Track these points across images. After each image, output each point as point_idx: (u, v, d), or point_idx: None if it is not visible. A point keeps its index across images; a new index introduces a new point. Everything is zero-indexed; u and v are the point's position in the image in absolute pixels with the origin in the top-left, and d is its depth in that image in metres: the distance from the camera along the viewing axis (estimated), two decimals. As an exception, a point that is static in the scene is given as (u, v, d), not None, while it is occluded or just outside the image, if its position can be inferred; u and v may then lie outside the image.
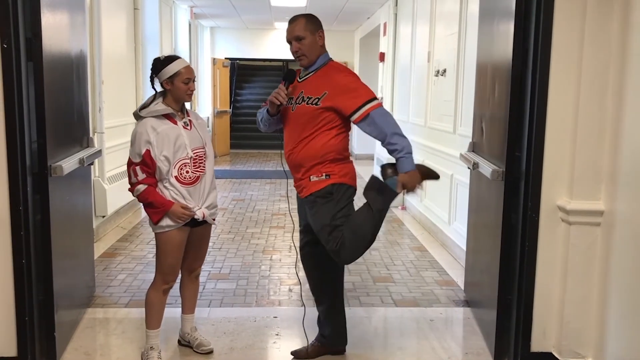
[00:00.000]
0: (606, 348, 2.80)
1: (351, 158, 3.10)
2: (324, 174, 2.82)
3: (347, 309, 3.78)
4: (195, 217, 2.87)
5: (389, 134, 2.76)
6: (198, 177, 2.88)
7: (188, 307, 3.19)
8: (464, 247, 4.31)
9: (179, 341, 3.22)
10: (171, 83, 2.83)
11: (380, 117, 2.77)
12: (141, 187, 2.79)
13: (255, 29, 13.04)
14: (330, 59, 2.92)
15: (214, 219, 3.02)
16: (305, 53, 2.83)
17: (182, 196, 2.83)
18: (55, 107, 2.85)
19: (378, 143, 8.45)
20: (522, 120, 2.90)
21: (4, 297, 2.79)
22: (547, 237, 2.91)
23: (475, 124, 3.83)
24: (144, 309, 3.74)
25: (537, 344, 2.97)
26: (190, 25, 10.67)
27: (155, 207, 2.80)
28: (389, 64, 8.40)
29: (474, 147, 3.82)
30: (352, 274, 4.56)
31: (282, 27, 12.73)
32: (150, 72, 2.89)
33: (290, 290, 4.18)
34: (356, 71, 12.53)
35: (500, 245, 3.01)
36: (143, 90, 7.57)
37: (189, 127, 2.89)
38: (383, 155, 7.65)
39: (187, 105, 2.98)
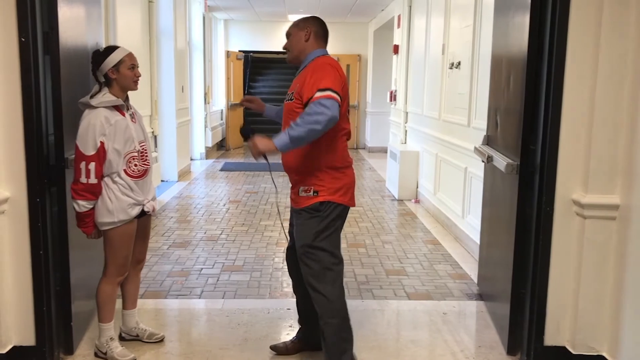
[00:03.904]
0: (621, 343, 2.78)
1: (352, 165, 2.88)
2: (312, 190, 2.70)
3: (360, 302, 3.82)
4: (145, 210, 2.90)
5: (303, 117, 2.49)
6: (146, 170, 2.90)
7: (132, 302, 3.17)
8: (478, 241, 4.30)
9: (122, 338, 3.17)
10: (117, 71, 2.79)
11: (317, 106, 2.47)
12: (87, 205, 2.74)
13: (269, 21, 13.03)
14: (322, 55, 2.77)
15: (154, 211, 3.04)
16: (288, 47, 2.84)
17: (130, 189, 2.82)
18: (71, 100, 2.87)
19: (392, 137, 8.41)
20: (537, 114, 2.88)
21: (22, 287, 2.84)
22: (562, 231, 2.89)
23: (490, 117, 3.81)
24: (158, 300, 3.83)
25: (551, 338, 2.97)
26: (204, 18, 10.70)
27: (84, 221, 2.79)
28: (403, 57, 8.37)
29: (488, 140, 3.81)
30: (365, 266, 4.58)
31: (296, 19, 12.73)
32: (91, 65, 2.84)
33: (303, 282, 4.20)
34: (370, 64, 12.50)
35: (514, 239, 3.00)
36: (158, 83, 7.63)
37: (134, 120, 2.89)
38: (396, 148, 7.64)
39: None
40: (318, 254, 2.70)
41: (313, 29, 2.81)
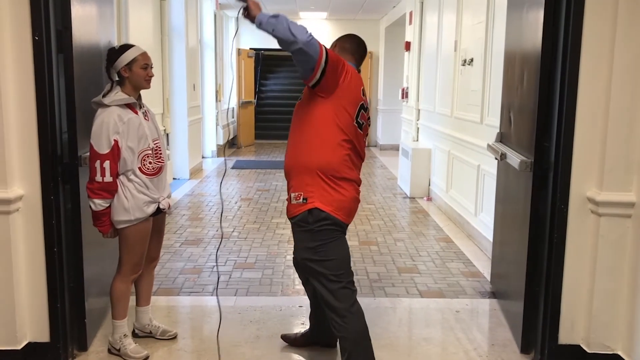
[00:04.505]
0: (636, 341, 2.76)
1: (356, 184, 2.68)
2: (302, 197, 2.56)
3: (372, 299, 3.81)
4: (161, 207, 2.90)
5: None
6: (160, 167, 2.90)
7: (145, 299, 3.18)
8: (491, 239, 4.28)
9: (136, 334, 3.18)
10: (129, 70, 2.80)
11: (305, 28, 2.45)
12: (103, 204, 2.74)
13: (280, 19, 13.01)
14: None
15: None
16: None
17: (146, 187, 2.83)
18: (84, 98, 2.89)
19: (404, 134, 8.37)
20: (551, 110, 2.86)
21: (36, 284, 2.86)
22: (576, 228, 2.86)
23: (503, 114, 3.78)
24: (171, 297, 3.85)
25: (565, 336, 2.94)
26: (215, 16, 10.72)
27: (101, 220, 2.80)
28: (414, 53, 8.33)
29: (501, 138, 3.78)
30: (378, 264, 4.57)
31: (307, 17, 12.75)
32: (105, 62, 2.85)
33: (315, 280, 4.19)
34: (381, 61, 12.47)
35: (528, 236, 2.98)
36: (170, 81, 7.66)
37: (147, 118, 2.90)
38: (408, 146, 7.62)
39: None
40: (317, 268, 2.60)
41: (339, 44, 2.79)
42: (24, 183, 2.79)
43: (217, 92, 10.83)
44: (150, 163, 2.85)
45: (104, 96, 2.79)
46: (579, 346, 2.94)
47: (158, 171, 2.89)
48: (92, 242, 3.02)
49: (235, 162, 10.31)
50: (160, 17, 7.07)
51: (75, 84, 2.80)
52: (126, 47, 2.86)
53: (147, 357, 2.97)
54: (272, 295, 3.92)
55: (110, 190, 2.75)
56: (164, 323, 3.29)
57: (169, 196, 3.02)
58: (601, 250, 2.83)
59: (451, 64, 6.30)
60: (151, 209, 2.87)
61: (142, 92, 2.94)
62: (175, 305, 3.77)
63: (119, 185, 2.79)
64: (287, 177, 2.70)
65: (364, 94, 2.68)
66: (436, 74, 7.04)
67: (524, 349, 3.09)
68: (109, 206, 2.79)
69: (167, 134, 7.46)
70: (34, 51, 2.69)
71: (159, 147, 2.92)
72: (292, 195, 2.62)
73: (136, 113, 2.83)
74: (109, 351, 3.02)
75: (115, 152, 2.73)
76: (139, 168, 2.81)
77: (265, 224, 5.81)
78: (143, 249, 2.93)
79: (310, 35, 2.44)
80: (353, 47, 2.80)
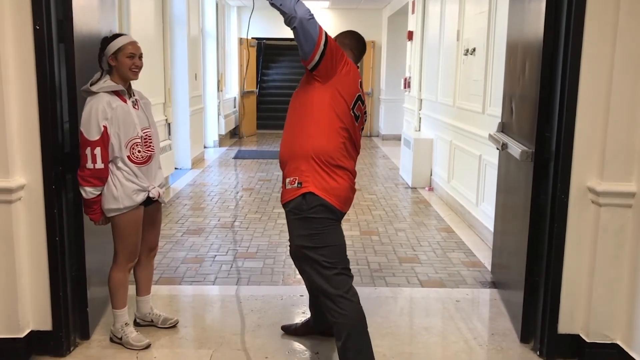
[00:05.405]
0: (635, 330, 2.77)
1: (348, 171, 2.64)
2: (297, 182, 2.54)
3: (372, 289, 3.83)
4: (151, 195, 2.90)
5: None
6: (150, 156, 2.90)
7: (145, 289, 3.19)
8: (492, 229, 4.28)
9: (137, 323, 3.20)
10: (115, 59, 2.79)
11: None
12: (94, 192, 2.76)
13: (282, 8, 12.94)
14: None
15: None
16: None
17: (135, 175, 2.83)
18: (86, 88, 2.89)
19: (406, 124, 8.34)
20: (552, 100, 2.85)
21: (39, 273, 2.87)
22: (577, 219, 2.87)
23: (505, 104, 3.78)
24: (173, 286, 3.87)
25: (565, 326, 2.95)
26: (217, 5, 10.67)
27: (92, 208, 2.82)
28: (417, 43, 8.30)
29: (503, 128, 3.78)
30: (379, 254, 4.58)
31: (309, 6, 12.63)
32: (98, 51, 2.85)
33: (316, 269, 4.21)
34: (384, 50, 12.42)
35: (529, 226, 2.99)
36: (171, 71, 7.63)
37: (136, 107, 2.89)
38: (410, 136, 7.61)
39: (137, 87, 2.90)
40: (312, 255, 2.57)
41: (339, 39, 2.79)
42: (25, 172, 2.80)
43: (219, 81, 10.81)
44: (139, 152, 2.84)
45: (92, 84, 2.79)
46: (578, 336, 2.95)
47: (147, 160, 2.89)
48: (94, 231, 3.03)
49: (237, 152, 10.31)
50: (162, 6, 7.03)
51: (76, 73, 2.80)
52: (117, 36, 2.85)
53: (149, 346, 2.99)
54: (274, 285, 3.93)
55: (101, 178, 2.76)
56: (165, 312, 3.31)
57: (161, 185, 3.02)
58: (601, 241, 2.83)
59: (453, 53, 6.28)
60: (140, 197, 2.87)
61: (141, 81, 2.93)
62: (177, 294, 3.79)
63: (109, 173, 2.79)
64: (282, 165, 2.67)
65: (361, 86, 2.69)
66: (438, 64, 7.02)
67: (524, 339, 3.10)
68: (100, 194, 2.80)
69: (169, 124, 7.45)
70: (35, 40, 2.68)
71: (149, 136, 2.91)
72: (287, 180, 2.60)
73: (125, 101, 2.83)
74: (111, 340, 3.04)
75: (105, 139, 2.73)
76: (128, 156, 2.81)
77: (266, 214, 5.82)
78: (136, 237, 2.93)
79: (312, 16, 2.47)
80: (352, 43, 2.81)
